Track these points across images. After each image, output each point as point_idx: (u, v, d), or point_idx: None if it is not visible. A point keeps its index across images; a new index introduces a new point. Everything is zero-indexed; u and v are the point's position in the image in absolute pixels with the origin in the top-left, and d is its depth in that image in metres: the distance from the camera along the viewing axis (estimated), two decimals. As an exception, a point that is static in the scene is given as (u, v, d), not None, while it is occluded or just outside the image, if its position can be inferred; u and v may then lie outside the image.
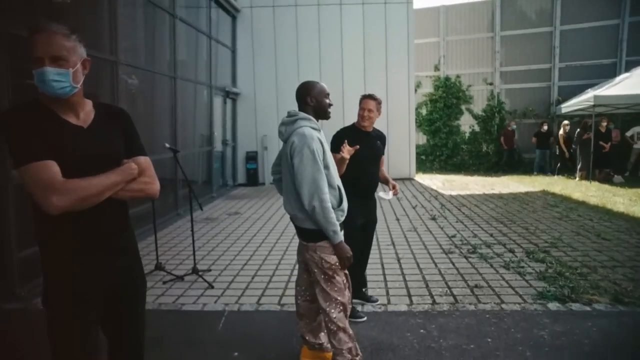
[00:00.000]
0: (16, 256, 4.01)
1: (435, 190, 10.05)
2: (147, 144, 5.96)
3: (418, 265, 4.75)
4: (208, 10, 9.59)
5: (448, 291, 4.00)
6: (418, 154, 14.78)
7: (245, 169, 11.87)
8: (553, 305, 3.62)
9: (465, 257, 4.98)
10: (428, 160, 15.23)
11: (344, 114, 11.29)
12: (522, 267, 4.56)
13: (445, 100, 15.04)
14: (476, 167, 14.60)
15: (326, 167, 2.49)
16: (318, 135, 2.49)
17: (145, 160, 1.87)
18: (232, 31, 11.60)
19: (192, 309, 3.79)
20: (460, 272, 4.50)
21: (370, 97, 3.47)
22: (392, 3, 11.50)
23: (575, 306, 3.59)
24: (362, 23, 11.58)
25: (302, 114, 2.56)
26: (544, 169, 12.94)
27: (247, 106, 11.82)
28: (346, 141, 3.16)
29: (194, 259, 4.54)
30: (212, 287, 4.24)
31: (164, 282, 4.38)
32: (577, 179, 11.30)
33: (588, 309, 3.54)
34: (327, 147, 2.56)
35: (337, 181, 2.58)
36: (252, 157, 11.85)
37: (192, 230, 4.56)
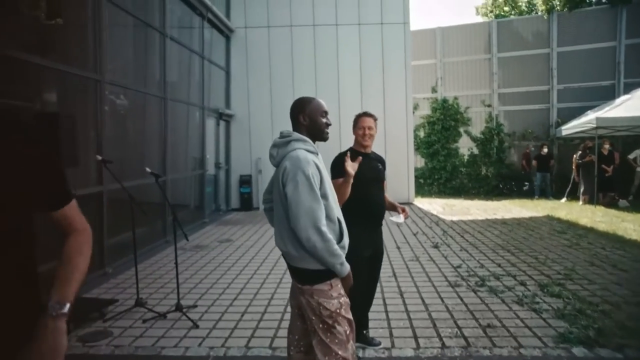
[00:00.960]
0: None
1: (436, 216, 9.70)
2: (134, 167, 5.55)
3: (423, 301, 4.35)
4: (201, 30, 9.37)
5: (458, 332, 3.60)
6: (416, 177, 14.48)
7: (239, 193, 11.50)
8: (579, 351, 3.22)
9: (474, 291, 4.59)
10: (426, 183, 14.92)
11: (340, 137, 10.98)
12: (537, 302, 4.18)
13: (443, 122, 14.83)
14: (476, 191, 14.30)
15: (324, 196, 2.14)
16: (314, 159, 2.16)
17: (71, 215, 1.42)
18: (226, 51, 11.40)
19: (173, 354, 3.37)
20: (470, 308, 4.11)
21: (367, 114, 3.18)
22: (389, 24, 11.36)
23: (604, 352, 3.20)
24: (358, 44, 11.42)
25: (296, 135, 2.22)
26: (545, 193, 12.64)
27: (241, 128, 11.53)
28: (348, 154, 2.84)
29: (178, 295, 4.13)
30: (197, 327, 3.82)
31: (144, 321, 3.96)
32: (581, 203, 10.99)
33: (619, 355, 3.15)
34: (326, 174, 2.21)
35: (338, 213, 2.23)
36: (246, 181, 11.49)
37: (176, 263, 4.16)
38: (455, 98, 14.99)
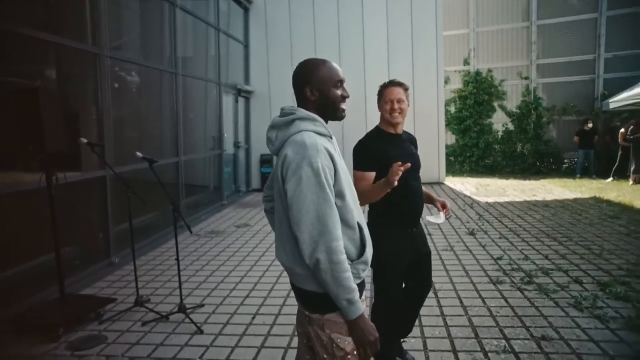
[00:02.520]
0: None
1: (470, 197, 8.98)
2: (144, 148, 5.00)
3: (461, 302, 3.76)
4: (216, 1, 8.75)
5: (506, 345, 3.01)
6: (447, 155, 13.69)
7: (260, 173, 11.02)
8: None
9: (520, 290, 3.96)
10: (458, 161, 14.09)
11: (366, 117, 10.37)
12: (600, 307, 3.53)
13: (476, 96, 13.87)
14: (511, 169, 13.40)
15: (339, 195, 1.57)
16: (327, 144, 1.58)
17: None
18: (245, 25, 10.76)
19: (170, 367, 2.92)
20: (518, 313, 3.50)
21: (395, 84, 2.52)
22: (419, -10, 10.47)
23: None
24: (385, 14, 10.58)
25: (302, 112, 1.64)
26: (588, 171, 11.68)
27: (262, 105, 10.96)
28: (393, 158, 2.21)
29: (181, 295, 3.66)
30: (202, 332, 3.35)
31: (144, 324, 3.52)
32: (631, 183, 10.04)
33: None
34: (342, 163, 1.63)
35: (358, 216, 1.66)
36: (267, 161, 10.96)
37: (177, 260, 3.67)
38: (490, 71, 13.97)
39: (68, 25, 4.78)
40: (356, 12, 10.60)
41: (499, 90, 13.92)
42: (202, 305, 3.85)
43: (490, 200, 8.59)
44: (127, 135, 5.94)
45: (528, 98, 13.57)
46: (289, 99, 10.84)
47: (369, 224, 2.53)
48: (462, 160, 14.03)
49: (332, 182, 1.53)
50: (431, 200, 2.64)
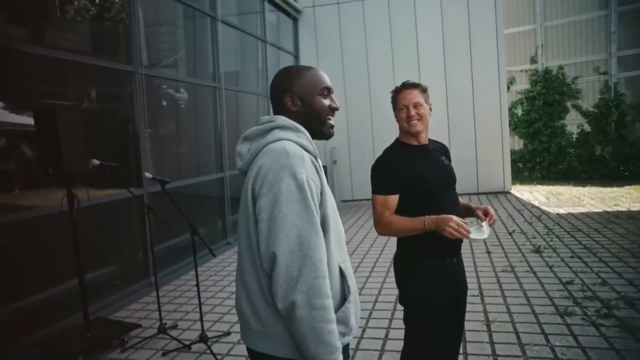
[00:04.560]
0: None
1: (538, 208, 8.12)
2: (188, 165, 4.86)
3: (518, 338, 3.20)
4: (262, 13, 8.67)
5: (573, 399, 2.46)
6: (514, 162, 12.69)
7: (312, 185, 10.77)
8: None
9: (595, 326, 3.32)
10: (526, 168, 13.00)
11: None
12: (701, 353, 2.84)
13: (545, 96, 12.74)
14: (588, 175, 12.12)
15: (322, 224, 1.23)
16: (311, 158, 1.26)
17: None
18: (294, 35, 10.65)
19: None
20: (591, 357, 2.89)
21: (408, 86, 2.09)
22: (476, -14, 9.80)
23: None
24: (440, 16, 9.96)
25: (282, 119, 1.33)
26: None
27: (313, 116, 10.74)
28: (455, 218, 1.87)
29: (202, 323, 3.42)
30: (221, 366, 3.10)
31: (164, 354, 3.33)
32: None
33: None
34: (328, 189, 1.30)
35: (341, 258, 1.30)
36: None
37: (197, 287, 3.43)
38: (560, 67, 12.80)
39: (103, 45, 4.81)
40: (409, 16, 10.10)
41: (571, 89, 12.71)
42: (227, 333, 3.60)
43: (562, 211, 7.70)
44: (169, 151, 5.92)
45: (607, 95, 12.23)
46: (340, 108, 10.53)
47: (397, 254, 2.14)
48: (532, 167, 12.92)
49: (317, 203, 1.20)
50: (470, 212, 2.17)
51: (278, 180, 1.17)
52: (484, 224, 1.97)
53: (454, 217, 1.85)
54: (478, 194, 9.71)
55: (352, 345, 3.25)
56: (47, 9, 4.28)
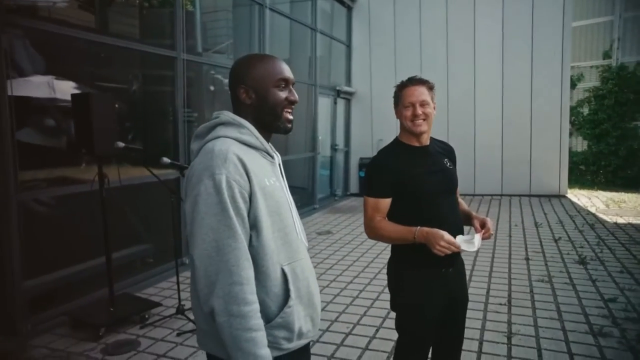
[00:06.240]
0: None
1: (593, 215, 7.55)
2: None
3: (540, 356, 2.99)
4: (313, 0, 8.61)
5: None
6: (576, 164, 11.91)
7: (358, 177, 10.69)
8: None
9: (633, 352, 3.02)
10: (589, 171, 12.13)
11: (475, 126, 9.41)
12: None
13: (617, 95, 11.77)
14: (661, 182, 11.13)
15: (254, 227, 1.19)
16: (242, 154, 1.20)
17: None
18: (347, 24, 10.49)
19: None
20: (617, 383, 2.66)
21: (415, 82, 1.94)
22: (542, -27, 9.15)
23: None
24: (501, 8, 9.36)
25: (226, 115, 1.29)
26: None
27: (363, 107, 10.59)
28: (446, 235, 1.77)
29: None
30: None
31: (179, 334, 3.43)
32: None
33: None
34: (271, 185, 1.25)
35: (285, 259, 1.25)
36: (366, 164, 10.58)
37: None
38: (639, 64, 11.77)
39: (148, 31, 4.98)
40: (467, 7, 9.61)
41: (650, 87, 11.67)
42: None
43: (621, 220, 7.11)
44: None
45: (690, 96, 11.13)
46: (391, 102, 10.34)
47: (390, 260, 2.04)
48: (595, 170, 12.04)
49: (242, 205, 1.15)
50: (469, 218, 2.03)
51: (199, 182, 1.16)
52: (477, 236, 1.83)
53: (445, 235, 1.74)
54: (530, 196, 9.18)
55: (362, 345, 3.19)
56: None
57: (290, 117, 1.34)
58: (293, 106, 1.34)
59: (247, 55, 1.38)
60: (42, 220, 3.79)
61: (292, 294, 1.23)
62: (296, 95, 1.34)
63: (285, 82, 1.32)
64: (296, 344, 1.26)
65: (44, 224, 3.80)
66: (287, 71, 1.33)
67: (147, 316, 3.67)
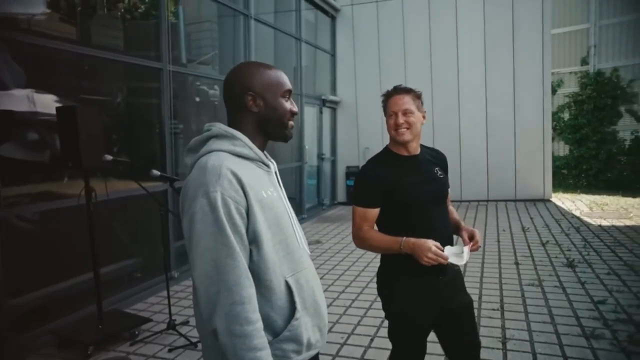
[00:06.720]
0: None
1: (578, 218, 7.67)
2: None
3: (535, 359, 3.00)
4: (297, 11, 8.65)
5: None
6: (558, 168, 12.10)
7: (345, 186, 10.69)
8: None
9: (626, 353, 3.05)
10: (571, 175, 12.35)
11: (460, 132, 9.51)
12: None
13: (596, 100, 12.05)
14: (640, 185, 11.39)
15: (254, 241, 1.17)
16: (236, 168, 1.17)
17: None
18: (332, 33, 10.57)
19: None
20: (612, 385, 2.67)
21: (399, 91, 1.93)
22: (521, -17, 9.36)
23: None
24: (482, 16, 9.55)
25: (218, 127, 1.26)
26: None
27: (348, 115, 10.65)
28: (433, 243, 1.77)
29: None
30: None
31: (170, 350, 3.35)
32: None
33: None
34: (268, 198, 1.22)
35: (288, 271, 1.23)
36: (353, 173, 10.58)
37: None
38: (615, 70, 12.09)
39: (134, 42, 4.93)
40: (449, 15, 9.77)
41: (626, 92, 11.99)
42: (235, 333, 3.59)
43: (605, 222, 7.23)
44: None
45: (665, 100, 11.46)
46: (376, 110, 10.37)
47: (380, 268, 2.03)
48: (577, 174, 12.27)
49: (239, 221, 1.13)
50: (458, 228, 2.03)
51: (194, 200, 1.14)
52: (466, 248, 1.84)
53: (432, 247, 1.74)
54: (515, 200, 9.29)
55: (358, 355, 3.16)
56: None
57: (292, 123, 1.34)
58: (294, 117, 1.33)
59: (248, 62, 1.37)
60: (27, 237, 3.69)
61: (298, 305, 1.21)
62: (296, 107, 1.34)
63: (289, 94, 1.33)
64: (306, 356, 1.24)
65: (29, 241, 3.70)
66: (290, 83, 1.33)
67: (137, 332, 3.59)
